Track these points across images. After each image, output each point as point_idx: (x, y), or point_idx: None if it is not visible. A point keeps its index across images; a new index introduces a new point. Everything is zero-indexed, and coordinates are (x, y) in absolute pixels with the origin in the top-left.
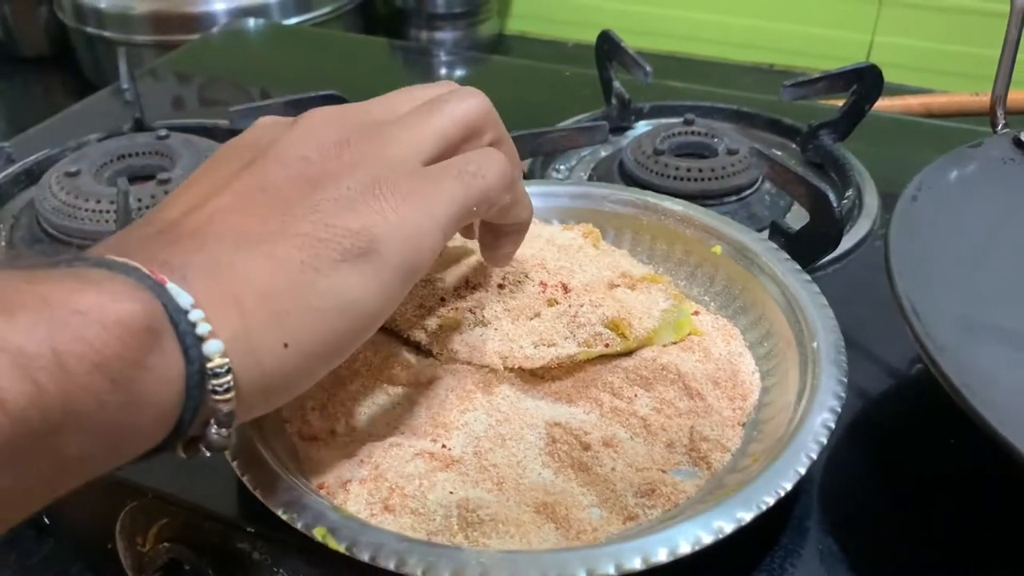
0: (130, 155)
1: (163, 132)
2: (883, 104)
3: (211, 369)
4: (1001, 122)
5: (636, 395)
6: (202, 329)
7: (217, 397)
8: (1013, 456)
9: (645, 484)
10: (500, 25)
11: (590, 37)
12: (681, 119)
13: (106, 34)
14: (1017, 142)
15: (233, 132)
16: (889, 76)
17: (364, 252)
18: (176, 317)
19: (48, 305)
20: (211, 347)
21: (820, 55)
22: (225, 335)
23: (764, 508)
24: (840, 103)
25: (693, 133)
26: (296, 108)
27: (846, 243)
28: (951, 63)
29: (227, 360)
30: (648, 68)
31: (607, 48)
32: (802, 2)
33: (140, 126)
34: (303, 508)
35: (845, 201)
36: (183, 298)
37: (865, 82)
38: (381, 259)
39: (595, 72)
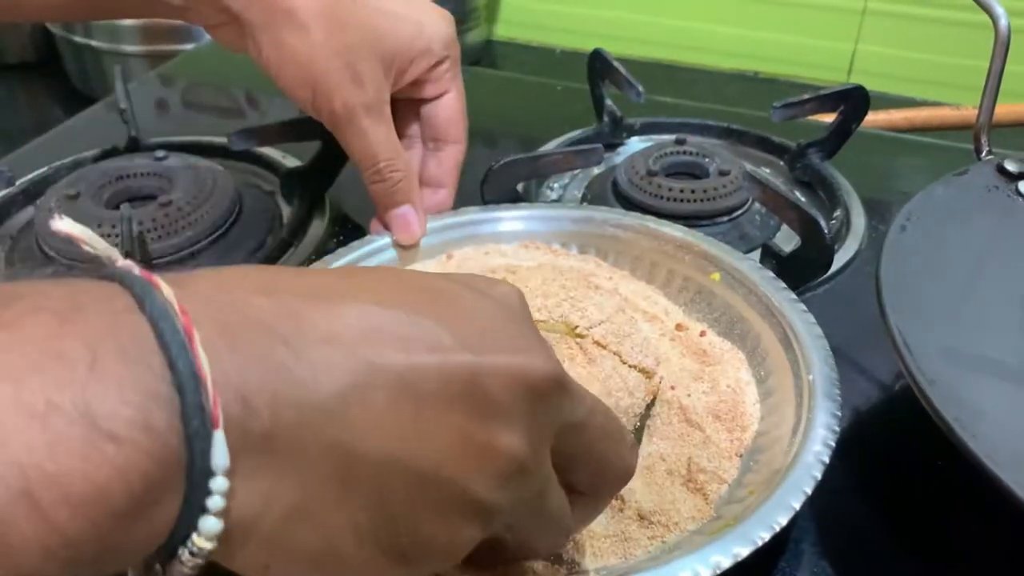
0: (128, 176)
1: (161, 153)
2: (867, 119)
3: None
4: (985, 149)
5: (636, 425)
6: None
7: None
8: (1001, 490)
9: (644, 512)
10: (488, 32)
11: (578, 44)
12: (673, 137)
13: (93, 43)
14: (1000, 169)
15: (230, 152)
16: (872, 84)
17: None
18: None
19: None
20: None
21: (804, 63)
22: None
23: (760, 543)
24: (828, 117)
25: (685, 153)
26: (293, 128)
27: (835, 263)
28: (933, 72)
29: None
30: (640, 88)
31: (599, 66)
32: (787, 12)
33: (135, 144)
34: None
35: (833, 222)
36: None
37: (852, 102)
38: None
39: (585, 85)
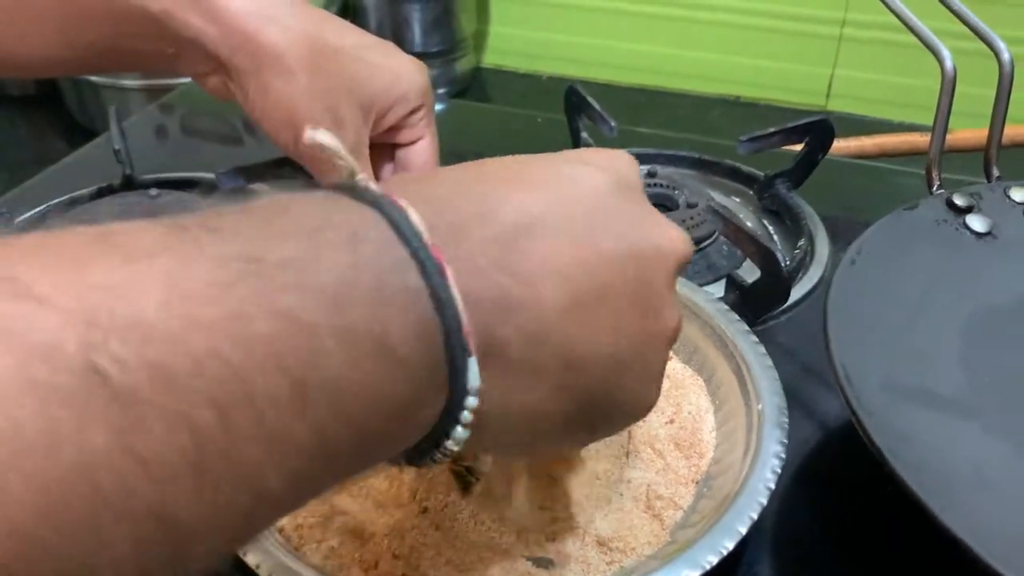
0: (123, 215)
1: (154, 192)
2: (839, 146)
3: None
4: (936, 183)
5: (598, 451)
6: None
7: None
8: (927, 516)
9: (603, 539)
10: (477, 60)
11: (564, 71)
12: (645, 168)
13: (93, 78)
14: (950, 204)
15: (217, 188)
16: (849, 108)
17: None
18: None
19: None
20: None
21: (784, 88)
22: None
23: (708, 567)
24: (799, 147)
25: (655, 185)
26: (281, 165)
27: (799, 291)
28: (907, 95)
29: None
30: (613, 124)
31: (575, 101)
32: (766, 38)
33: (130, 182)
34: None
35: (797, 251)
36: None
37: (817, 134)
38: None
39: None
